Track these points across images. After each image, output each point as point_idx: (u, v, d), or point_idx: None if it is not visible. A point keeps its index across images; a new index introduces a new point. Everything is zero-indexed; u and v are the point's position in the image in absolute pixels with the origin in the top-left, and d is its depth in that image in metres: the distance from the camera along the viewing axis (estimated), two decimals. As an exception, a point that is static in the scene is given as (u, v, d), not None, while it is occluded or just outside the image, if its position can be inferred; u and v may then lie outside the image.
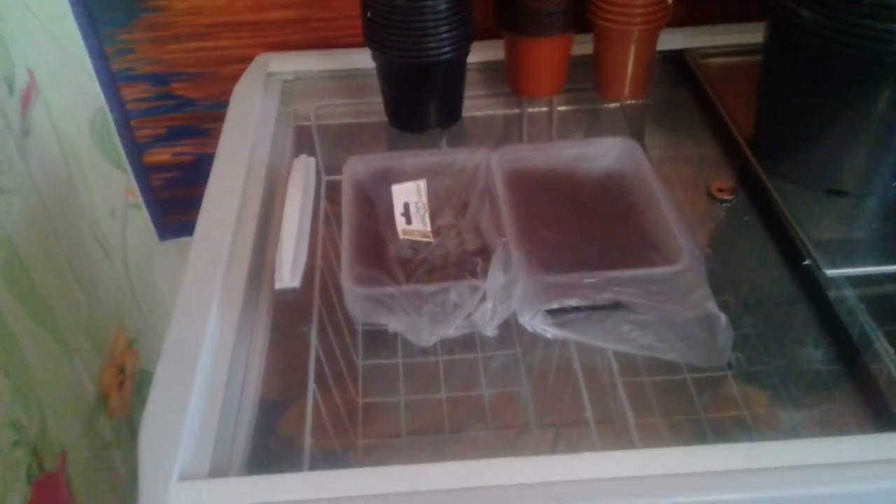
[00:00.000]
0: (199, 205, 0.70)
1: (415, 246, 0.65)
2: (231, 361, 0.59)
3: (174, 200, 1.06)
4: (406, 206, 0.67)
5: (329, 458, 0.59)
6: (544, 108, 0.87)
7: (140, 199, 1.05)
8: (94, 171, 0.99)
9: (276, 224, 0.69)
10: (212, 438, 0.54)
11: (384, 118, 0.82)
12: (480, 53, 0.83)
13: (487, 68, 0.88)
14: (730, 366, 0.60)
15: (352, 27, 0.93)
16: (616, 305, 0.59)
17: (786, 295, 0.66)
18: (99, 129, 0.97)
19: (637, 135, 0.85)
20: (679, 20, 0.86)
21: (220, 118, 0.81)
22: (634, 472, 0.50)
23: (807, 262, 0.65)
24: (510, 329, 0.60)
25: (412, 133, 0.81)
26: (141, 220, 1.07)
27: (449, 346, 0.62)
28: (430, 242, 0.65)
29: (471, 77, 0.82)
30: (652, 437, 0.57)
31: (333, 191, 0.74)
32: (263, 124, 0.81)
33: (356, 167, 0.71)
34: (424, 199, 0.67)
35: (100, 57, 0.93)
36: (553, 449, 0.61)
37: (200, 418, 0.55)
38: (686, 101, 0.86)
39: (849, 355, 0.61)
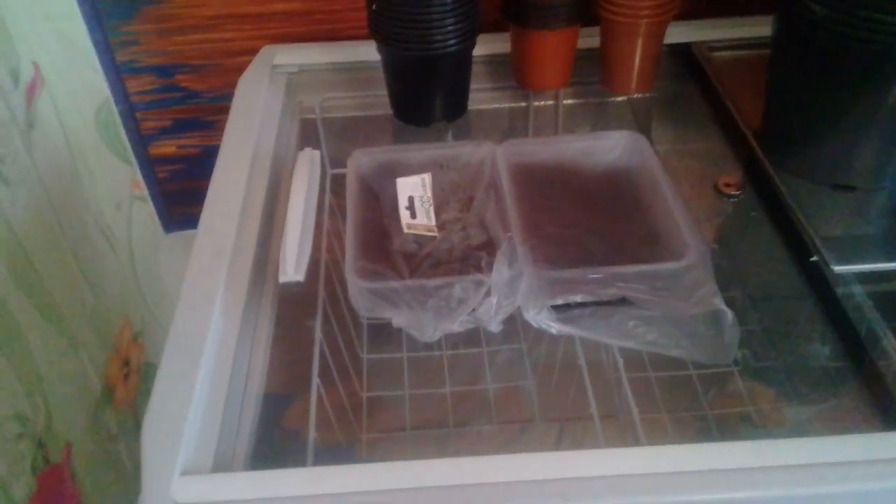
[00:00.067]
0: (205, 197, 0.70)
1: (419, 240, 0.65)
2: (235, 355, 0.59)
3: (179, 193, 1.06)
4: (411, 199, 0.67)
5: (333, 451, 0.59)
6: (550, 102, 0.86)
7: (145, 192, 1.05)
8: (100, 164, 0.99)
9: (281, 217, 0.69)
10: (215, 432, 0.54)
11: (390, 111, 0.82)
12: (486, 46, 0.83)
13: (493, 61, 0.87)
14: (736, 363, 0.60)
15: (357, 19, 0.92)
16: (621, 301, 0.59)
17: (793, 291, 0.66)
18: (104, 121, 0.97)
19: (644, 129, 0.84)
20: (687, 13, 0.85)
21: (226, 110, 0.81)
22: (640, 470, 0.50)
23: (814, 258, 0.64)
24: (515, 324, 0.60)
25: (417, 126, 0.80)
26: (146, 212, 1.07)
27: (454, 340, 0.62)
28: (434, 237, 0.65)
29: (477, 70, 0.81)
30: (657, 433, 0.57)
31: (338, 184, 0.73)
32: (268, 117, 0.81)
33: (360, 160, 0.71)
34: (429, 193, 0.67)
35: (104, 49, 0.93)
36: (558, 444, 0.61)
37: (204, 413, 0.54)
38: (693, 94, 0.86)
39: (856, 352, 0.60)
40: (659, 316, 0.58)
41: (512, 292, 0.57)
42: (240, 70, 0.87)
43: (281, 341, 0.63)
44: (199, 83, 0.97)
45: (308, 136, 0.83)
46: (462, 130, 0.81)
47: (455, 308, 0.57)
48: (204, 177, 0.72)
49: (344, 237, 0.64)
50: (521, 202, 0.65)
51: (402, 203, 0.66)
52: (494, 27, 0.81)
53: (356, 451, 0.61)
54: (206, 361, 0.56)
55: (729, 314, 0.56)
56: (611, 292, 0.58)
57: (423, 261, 0.63)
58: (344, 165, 0.71)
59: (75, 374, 0.90)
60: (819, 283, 0.64)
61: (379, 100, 0.82)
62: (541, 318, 0.58)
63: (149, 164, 1.03)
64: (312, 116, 0.85)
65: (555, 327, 0.58)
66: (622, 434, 0.57)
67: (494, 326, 0.58)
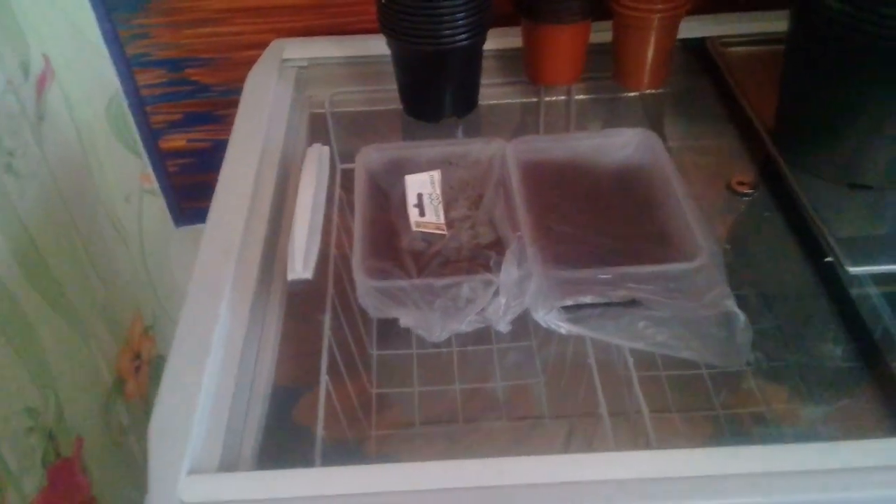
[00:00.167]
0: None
1: (428, 238, 0.64)
2: (242, 352, 0.59)
3: (190, 187, 1.06)
4: (419, 197, 0.66)
5: (342, 448, 0.59)
6: (562, 97, 0.86)
7: (156, 185, 1.05)
8: (110, 157, 0.98)
9: (290, 212, 0.69)
10: (223, 430, 0.54)
11: (400, 105, 0.81)
12: (497, 40, 0.82)
13: (504, 56, 0.86)
14: (748, 363, 0.59)
15: (367, 12, 0.92)
16: (632, 302, 0.58)
17: (807, 292, 0.65)
18: (114, 114, 0.97)
19: (656, 125, 0.83)
20: (700, 7, 0.84)
21: (236, 104, 0.81)
22: (649, 474, 0.49)
23: (829, 258, 0.63)
24: (525, 321, 0.60)
25: (427, 122, 0.80)
26: (157, 205, 1.07)
27: (463, 337, 0.62)
28: (443, 235, 0.64)
29: (487, 65, 0.81)
30: (668, 433, 0.57)
31: (348, 178, 0.73)
32: (278, 111, 0.81)
33: (369, 157, 0.70)
34: (438, 191, 0.66)
35: (115, 42, 0.93)
36: (567, 442, 0.61)
37: (211, 411, 0.55)
38: (707, 90, 0.85)
39: (870, 354, 0.60)
40: (670, 317, 0.58)
41: (521, 293, 0.57)
42: (249, 64, 0.86)
43: (289, 336, 0.63)
44: (208, 77, 0.97)
45: (317, 130, 0.83)
46: (472, 126, 0.81)
47: (463, 308, 0.57)
48: (214, 171, 0.72)
49: (353, 233, 0.63)
50: (530, 201, 0.64)
51: (411, 200, 0.66)
52: (506, 21, 0.80)
53: (365, 447, 0.61)
54: (213, 360, 0.56)
55: (741, 316, 0.56)
56: (621, 293, 0.57)
57: (431, 259, 0.62)
58: (353, 160, 0.70)
59: (86, 367, 0.90)
60: (833, 284, 0.63)
61: (389, 94, 0.81)
62: (550, 319, 0.57)
63: (159, 158, 1.03)
64: (322, 111, 0.84)
65: (564, 328, 0.58)
66: (632, 433, 0.56)
67: (503, 327, 0.58)
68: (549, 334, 0.60)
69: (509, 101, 0.86)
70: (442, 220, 0.65)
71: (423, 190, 0.66)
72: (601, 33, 0.80)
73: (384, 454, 0.61)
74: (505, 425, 0.62)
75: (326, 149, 0.75)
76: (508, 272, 0.57)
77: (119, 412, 0.97)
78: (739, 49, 0.87)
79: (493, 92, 0.84)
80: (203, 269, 0.63)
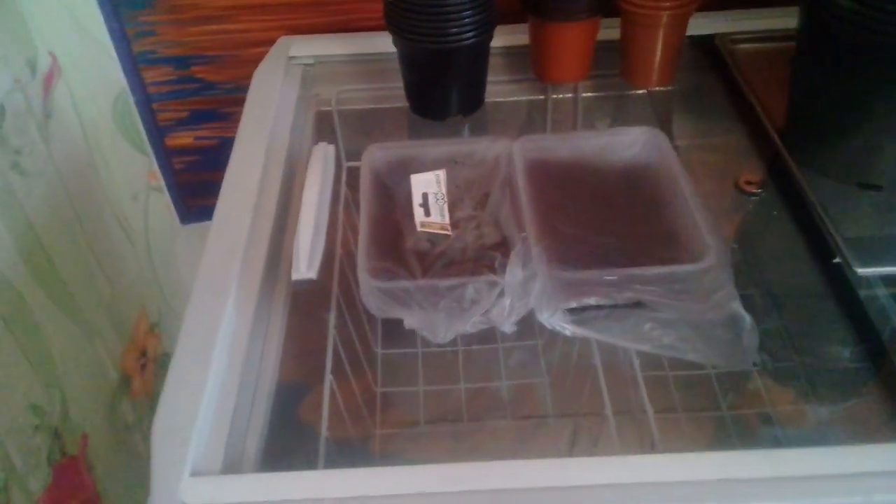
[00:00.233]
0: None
1: (433, 238, 0.64)
2: (247, 351, 0.59)
3: (196, 184, 1.06)
4: (425, 196, 0.66)
5: (346, 447, 0.59)
6: (569, 95, 0.85)
7: (162, 183, 1.05)
8: (116, 155, 0.99)
9: (295, 210, 0.69)
10: (226, 430, 0.54)
11: (406, 103, 0.81)
12: (504, 38, 0.82)
13: (511, 53, 0.86)
14: (755, 364, 0.59)
15: (373, 10, 0.91)
16: (637, 303, 0.58)
17: (815, 292, 0.65)
18: (121, 112, 0.97)
19: (664, 123, 0.83)
20: (709, 4, 0.83)
21: (242, 102, 0.81)
22: (653, 478, 0.49)
23: (837, 259, 0.63)
24: (530, 321, 0.59)
25: (433, 120, 0.79)
26: (163, 203, 1.07)
27: (468, 336, 0.62)
28: (448, 235, 0.64)
29: (494, 62, 0.80)
30: (673, 434, 0.57)
31: (354, 177, 0.73)
32: (284, 109, 0.80)
33: (375, 155, 0.70)
34: (444, 190, 0.66)
35: (121, 39, 0.93)
36: (572, 441, 0.61)
37: (215, 410, 0.54)
38: (715, 88, 0.84)
39: (878, 355, 0.59)
40: (676, 318, 0.57)
41: (525, 294, 0.57)
42: (256, 61, 0.86)
43: (295, 336, 0.63)
44: (215, 74, 0.97)
45: (324, 128, 0.83)
46: (479, 124, 0.80)
47: (467, 309, 0.57)
48: (220, 168, 0.72)
49: (358, 232, 0.63)
50: (536, 200, 0.64)
51: (417, 200, 0.66)
52: (513, 18, 0.80)
53: (370, 446, 0.61)
54: (218, 359, 0.56)
55: (748, 318, 0.55)
56: (626, 295, 0.57)
57: (435, 260, 0.62)
58: (360, 158, 0.70)
59: (92, 365, 0.90)
60: (841, 285, 0.63)
61: (395, 92, 0.81)
62: (555, 320, 0.57)
63: (165, 156, 1.03)
64: (328, 108, 0.84)
65: (569, 329, 0.57)
66: (637, 434, 0.56)
67: (508, 328, 0.57)
68: (554, 334, 0.60)
69: (516, 98, 0.85)
70: (447, 220, 0.65)
71: (428, 189, 0.66)
72: (609, 30, 0.79)
73: (389, 453, 0.61)
74: (510, 425, 0.62)
75: (332, 147, 0.75)
76: (513, 273, 0.57)
77: (125, 410, 0.97)
78: (748, 46, 0.86)
79: (500, 89, 0.84)
80: (209, 266, 0.63)
